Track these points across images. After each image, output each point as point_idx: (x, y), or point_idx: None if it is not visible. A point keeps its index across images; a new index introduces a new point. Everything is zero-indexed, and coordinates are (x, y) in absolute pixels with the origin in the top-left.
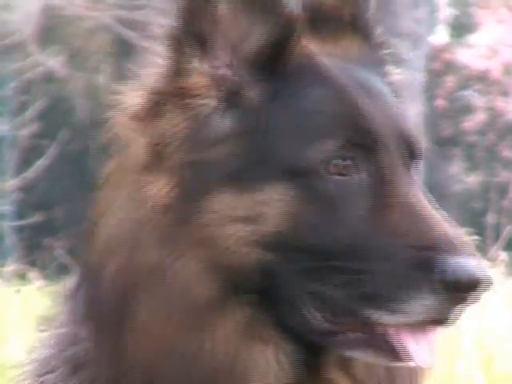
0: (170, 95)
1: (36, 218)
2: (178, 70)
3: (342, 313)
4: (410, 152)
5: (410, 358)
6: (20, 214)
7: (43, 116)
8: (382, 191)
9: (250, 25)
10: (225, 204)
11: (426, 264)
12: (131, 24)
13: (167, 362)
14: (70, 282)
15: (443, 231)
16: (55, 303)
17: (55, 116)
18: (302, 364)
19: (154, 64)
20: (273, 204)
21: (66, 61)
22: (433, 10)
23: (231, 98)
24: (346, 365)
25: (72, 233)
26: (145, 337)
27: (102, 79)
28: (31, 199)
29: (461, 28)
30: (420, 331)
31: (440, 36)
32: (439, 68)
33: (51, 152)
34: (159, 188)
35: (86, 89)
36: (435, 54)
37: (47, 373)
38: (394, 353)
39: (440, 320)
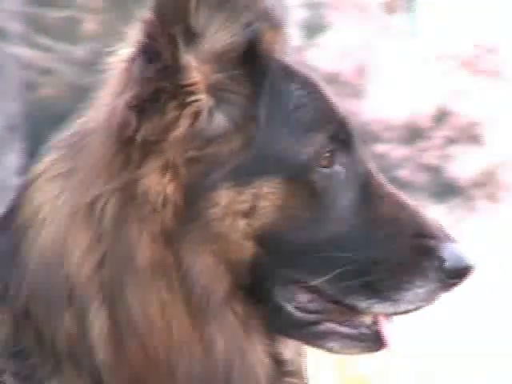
0: (168, 92)
1: None
2: (172, 67)
3: (323, 303)
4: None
5: (387, 345)
6: None
7: None
8: (364, 182)
9: (226, 20)
10: (228, 199)
11: (427, 252)
12: None
13: (176, 358)
14: None
15: (430, 220)
16: None
17: None
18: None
19: (137, 61)
20: (264, 197)
21: None
22: (283, 11)
23: (220, 94)
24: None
25: None
26: (150, 333)
27: None
28: None
29: (311, 29)
30: (391, 317)
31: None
32: None
33: None
34: (156, 183)
35: None
36: None
37: None
38: (374, 341)
39: (425, 306)
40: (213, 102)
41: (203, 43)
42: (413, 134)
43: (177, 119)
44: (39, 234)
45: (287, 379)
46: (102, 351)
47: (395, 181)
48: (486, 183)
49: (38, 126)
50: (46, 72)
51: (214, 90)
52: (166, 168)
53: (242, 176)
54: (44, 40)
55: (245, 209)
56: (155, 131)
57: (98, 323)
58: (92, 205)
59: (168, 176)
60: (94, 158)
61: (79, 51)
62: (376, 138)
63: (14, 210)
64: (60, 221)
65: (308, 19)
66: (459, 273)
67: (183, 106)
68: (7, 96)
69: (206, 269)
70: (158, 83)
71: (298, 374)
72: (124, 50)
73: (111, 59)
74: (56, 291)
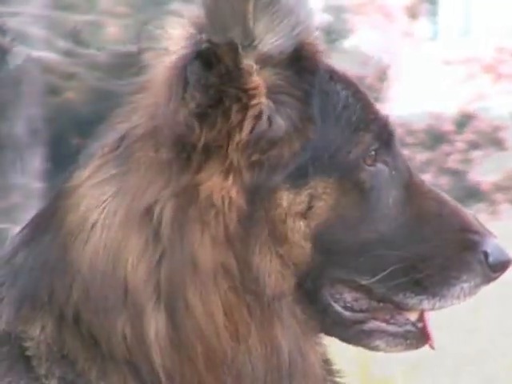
0: (231, 97)
1: None
2: (235, 71)
3: (369, 301)
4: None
5: (431, 342)
6: None
7: None
8: (406, 180)
9: (275, 23)
10: (289, 201)
11: (472, 246)
12: (4, 30)
13: (242, 360)
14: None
15: (470, 215)
16: None
17: None
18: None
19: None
20: (319, 198)
21: None
22: (307, 15)
23: (277, 97)
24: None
25: None
26: (216, 335)
27: None
28: None
29: (335, 34)
30: (428, 314)
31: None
32: None
33: None
34: (220, 187)
35: None
36: None
37: None
38: (419, 338)
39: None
40: (271, 104)
41: (259, 46)
42: (435, 138)
43: (240, 123)
44: (90, 238)
45: (332, 378)
46: (160, 354)
47: None
48: (509, 187)
49: (60, 130)
50: (69, 76)
51: (271, 92)
52: (228, 172)
53: (299, 177)
54: (67, 44)
55: (303, 210)
56: (219, 136)
57: (154, 325)
58: (148, 209)
59: (231, 179)
60: (148, 163)
61: (102, 55)
62: (399, 142)
63: (51, 217)
64: (113, 225)
65: (331, 24)
66: (501, 266)
67: (246, 109)
68: (30, 100)
69: (275, 272)
70: (222, 88)
71: (338, 372)
72: (166, 56)
73: (151, 64)
74: (110, 294)
